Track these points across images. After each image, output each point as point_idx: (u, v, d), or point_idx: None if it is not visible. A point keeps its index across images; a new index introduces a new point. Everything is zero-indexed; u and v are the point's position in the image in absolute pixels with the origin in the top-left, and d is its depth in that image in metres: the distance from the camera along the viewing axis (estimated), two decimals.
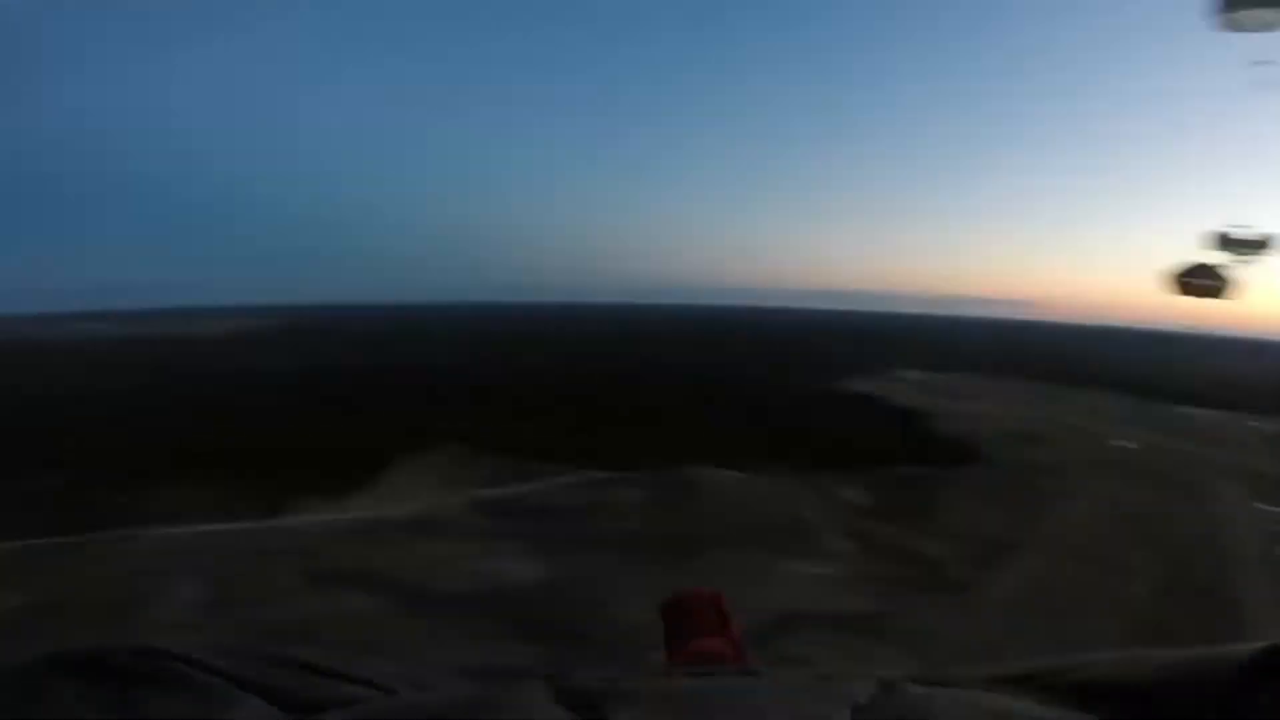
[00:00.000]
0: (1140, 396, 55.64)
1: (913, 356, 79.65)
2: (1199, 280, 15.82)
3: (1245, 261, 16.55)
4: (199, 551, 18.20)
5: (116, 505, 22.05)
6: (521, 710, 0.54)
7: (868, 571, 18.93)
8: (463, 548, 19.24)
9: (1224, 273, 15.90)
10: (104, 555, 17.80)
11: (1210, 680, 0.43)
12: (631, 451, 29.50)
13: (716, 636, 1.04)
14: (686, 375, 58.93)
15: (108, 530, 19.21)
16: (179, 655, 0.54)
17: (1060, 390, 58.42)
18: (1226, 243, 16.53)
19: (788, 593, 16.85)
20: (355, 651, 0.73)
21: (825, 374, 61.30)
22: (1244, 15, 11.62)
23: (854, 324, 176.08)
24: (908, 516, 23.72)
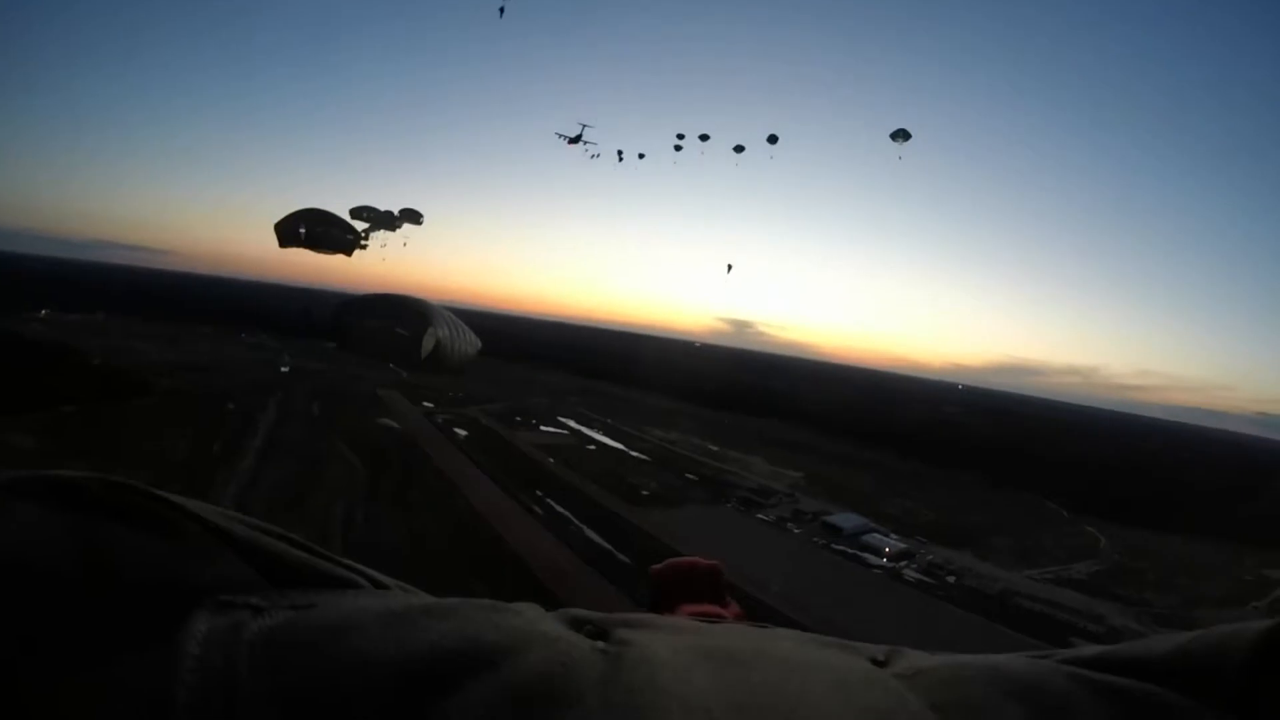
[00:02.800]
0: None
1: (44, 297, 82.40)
2: (319, 229, 19.02)
3: (372, 230, 21.29)
4: None
5: None
6: (526, 625, 0.47)
7: None
8: None
9: (350, 231, 19.87)
10: None
11: (1221, 662, 0.39)
12: None
13: (716, 605, 0.87)
14: None
15: None
16: (158, 496, 0.44)
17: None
18: (364, 214, 21.19)
19: None
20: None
21: None
22: None
23: None
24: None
